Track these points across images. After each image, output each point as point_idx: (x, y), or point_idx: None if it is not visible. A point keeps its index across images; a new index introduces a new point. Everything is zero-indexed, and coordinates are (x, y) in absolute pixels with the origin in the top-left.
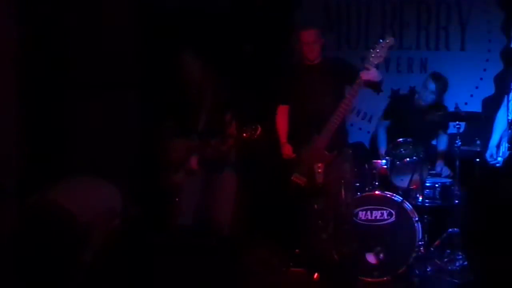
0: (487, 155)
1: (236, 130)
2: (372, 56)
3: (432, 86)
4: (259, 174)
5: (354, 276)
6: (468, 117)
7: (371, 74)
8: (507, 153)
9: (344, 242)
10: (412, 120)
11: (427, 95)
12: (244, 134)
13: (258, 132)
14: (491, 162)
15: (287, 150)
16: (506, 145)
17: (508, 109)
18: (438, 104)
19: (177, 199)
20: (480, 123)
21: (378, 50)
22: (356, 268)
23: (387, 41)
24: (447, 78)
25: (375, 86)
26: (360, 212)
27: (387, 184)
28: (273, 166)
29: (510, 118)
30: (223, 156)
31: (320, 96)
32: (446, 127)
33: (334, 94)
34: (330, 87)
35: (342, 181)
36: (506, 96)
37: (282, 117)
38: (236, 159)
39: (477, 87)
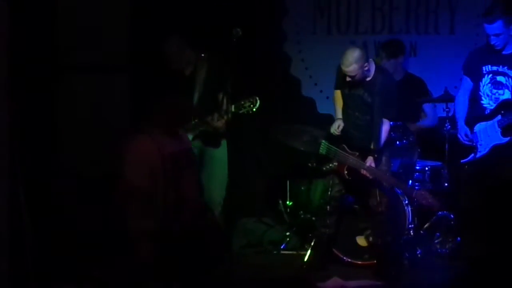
0: (461, 134)
1: (232, 105)
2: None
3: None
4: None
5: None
6: None
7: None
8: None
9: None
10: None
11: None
12: (241, 110)
13: (257, 103)
14: (465, 142)
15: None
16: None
17: (482, 95)
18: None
19: None
20: None
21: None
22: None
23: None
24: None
25: None
26: (350, 196)
27: None
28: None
29: (485, 103)
30: (219, 131)
31: None
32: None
33: None
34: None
35: None
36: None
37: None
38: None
39: None
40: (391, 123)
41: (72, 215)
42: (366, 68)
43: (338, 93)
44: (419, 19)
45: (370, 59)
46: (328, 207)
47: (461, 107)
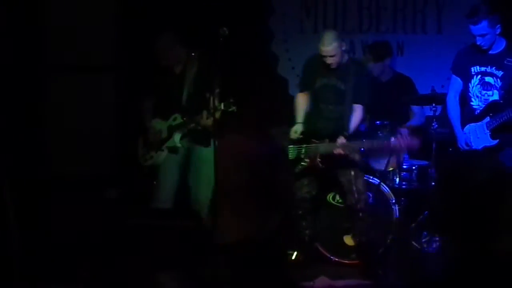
0: (461, 143)
1: (221, 104)
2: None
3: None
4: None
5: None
6: (444, 99)
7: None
8: (493, 142)
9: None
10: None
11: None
12: (230, 109)
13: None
14: (465, 150)
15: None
16: (487, 132)
17: (471, 96)
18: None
19: (155, 182)
20: None
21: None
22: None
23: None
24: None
25: None
26: (337, 195)
27: (364, 167)
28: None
29: (474, 104)
30: (208, 130)
31: None
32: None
33: None
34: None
35: None
36: (458, 79)
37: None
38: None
39: None
40: (378, 122)
41: (60, 214)
42: (344, 48)
43: (302, 96)
44: (406, 18)
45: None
46: (299, 210)
47: (454, 110)
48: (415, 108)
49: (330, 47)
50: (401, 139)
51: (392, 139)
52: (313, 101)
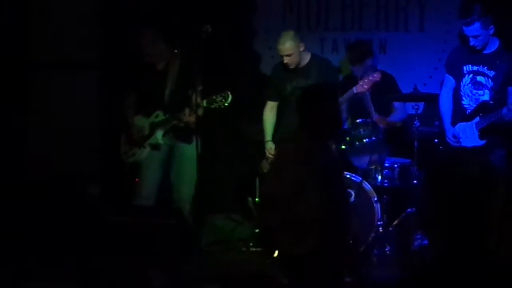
0: (449, 136)
1: (203, 101)
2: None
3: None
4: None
5: None
6: (426, 98)
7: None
8: (481, 142)
9: None
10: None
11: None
12: (213, 105)
13: (229, 98)
14: (453, 144)
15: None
16: (476, 132)
17: (462, 94)
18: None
19: (137, 180)
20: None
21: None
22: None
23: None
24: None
25: None
26: None
27: (346, 165)
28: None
29: (465, 103)
30: (190, 127)
31: None
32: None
33: None
34: None
35: None
36: (451, 77)
37: None
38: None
39: (436, 68)
40: (360, 120)
41: (42, 212)
42: (302, 49)
43: (270, 110)
44: (389, 16)
45: (306, 47)
46: None
47: (446, 107)
48: (397, 104)
49: (285, 46)
50: (364, 83)
51: (354, 87)
52: (287, 106)
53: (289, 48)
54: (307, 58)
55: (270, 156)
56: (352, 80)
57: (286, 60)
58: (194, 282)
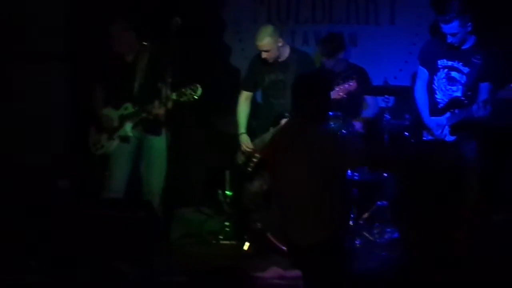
0: (431, 126)
1: (173, 93)
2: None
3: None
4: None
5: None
6: (397, 91)
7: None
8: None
9: None
10: None
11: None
12: (183, 98)
13: (199, 91)
14: (437, 135)
15: None
16: (447, 127)
17: (436, 89)
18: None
19: (107, 173)
20: (409, 98)
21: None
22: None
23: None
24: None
25: None
26: None
27: None
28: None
29: (438, 97)
30: (160, 119)
31: None
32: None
33: None
34: None
35: None
36: (425, 70)
37: None
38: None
39: (406, 62)
40: (331, 113)
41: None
42: (281, 44)
43: (245, 97)
44: (360, 9)
45: (285, 42)
46: (251, 204)
47: (422, 99)
48: (369, 98)
49: (262, 42)
50: (340, 90)
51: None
52: (264, 98)
53: (267, 44)
54: (286, 52)
55: (246, 149)
56: None
57: (264, 55)
58: (163, 275)
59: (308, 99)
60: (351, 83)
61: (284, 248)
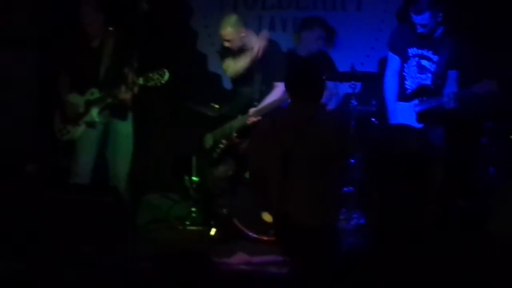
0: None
1: (139, 78)
2: None
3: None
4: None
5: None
6: (364, 77)
7: None
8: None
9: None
10: None
11: (314, 43)
12: (150, 83)
13: (166, 76)
14: (406, 122)
15: None
16: (414, 114)
17: (406, 76)
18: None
19: (73, 158)
20: (376, 84)
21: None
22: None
23: None
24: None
25: None
26: None
27: None
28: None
29: (408, 84)
30: (126, 104)
31: None
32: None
33: None
34: None
35: None
36: (396, 56)
37: None
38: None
39: (373, 48)
40: None
41: None
42: (243, 35)
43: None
44: None
45: (250, 30)
46: (216, 189)
47: (391, 86)
48: (333, 85)
49: (224, 31)
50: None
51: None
52: (232, 85)
53: (228, 34)
54: (252, 40)
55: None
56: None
57: (226, 44)
58: (128, 260)
59: (316, 84)
60: None
61: (251, 234)
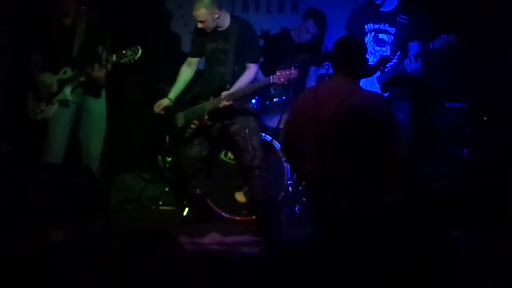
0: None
1: (113, 55)
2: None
3: (310, 25)
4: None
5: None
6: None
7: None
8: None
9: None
10: (284, 59)
11: (304, 34)
12: (123, 60)
13: (139, 53)
14: None
15: None
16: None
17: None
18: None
19: (47, 138)
20: None
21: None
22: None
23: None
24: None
25: None
26: (229, 152)
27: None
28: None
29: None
30: (99, 82)
31: None
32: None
33: None
34: None
35: None
36: None
37: None
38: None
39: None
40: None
41: None
42: (217, 16)
43: (188, 62)
44: None
45: (224, 10)
46: (190, 169)
47: None
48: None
49: (197, 12)
50: (281, 76)
51: (271, 76)
52: (206, 66)
53: (201, 15)
54: (226, 21)
55: (156, 109)
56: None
57: (200, 25)
58: (100, 239)
59: (360, 62)
60: (292, 71)
61: (224, 214)
